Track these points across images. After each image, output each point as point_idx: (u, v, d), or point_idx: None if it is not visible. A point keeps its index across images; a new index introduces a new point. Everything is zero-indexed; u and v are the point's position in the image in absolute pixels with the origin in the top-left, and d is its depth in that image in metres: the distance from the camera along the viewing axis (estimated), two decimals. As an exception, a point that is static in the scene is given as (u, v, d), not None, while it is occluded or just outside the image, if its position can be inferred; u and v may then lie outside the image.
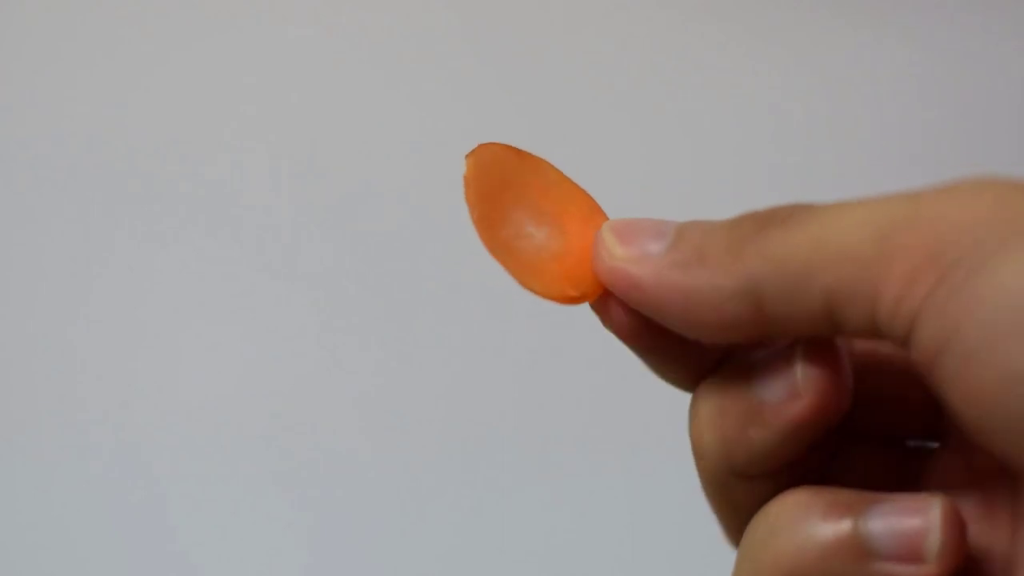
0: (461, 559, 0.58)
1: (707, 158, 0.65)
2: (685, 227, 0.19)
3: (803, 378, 0.18)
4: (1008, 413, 0.15)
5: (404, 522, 0.59)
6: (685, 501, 0.61)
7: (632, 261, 0.19)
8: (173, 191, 0.61)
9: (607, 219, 0.20)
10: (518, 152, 0.21)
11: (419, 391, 0.60)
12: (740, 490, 0.20)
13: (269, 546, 0.58)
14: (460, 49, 0.66)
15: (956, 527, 0.17)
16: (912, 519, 0.17)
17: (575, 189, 0.21)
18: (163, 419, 0.58)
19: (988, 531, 0.18)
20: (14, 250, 0.60)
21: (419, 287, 0.62)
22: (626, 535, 0.60)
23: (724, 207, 0.75)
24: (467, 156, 0.20)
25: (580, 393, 0.61)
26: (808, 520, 0.18)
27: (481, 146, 0.21)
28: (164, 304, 0.60)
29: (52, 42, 0.62)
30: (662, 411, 0.62)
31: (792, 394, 0.18)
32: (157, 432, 0.58)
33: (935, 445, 0.20)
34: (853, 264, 0.16)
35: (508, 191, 0.21)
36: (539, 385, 0.61)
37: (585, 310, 0.21)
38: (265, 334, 0.60)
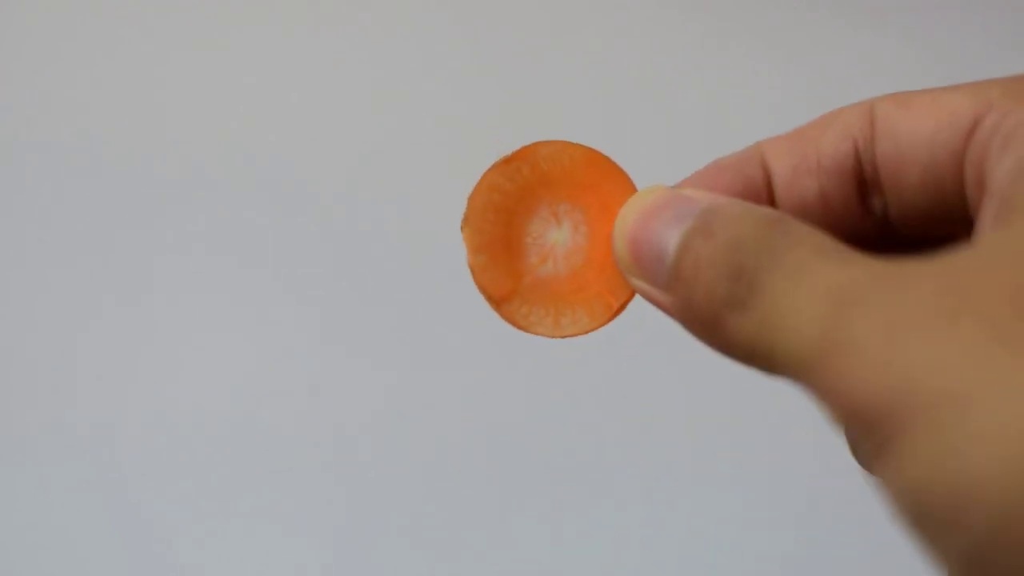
0: (466, 560, 0.58)
1: (707, 158, 0.65)
2: (680, 261, 0.19)
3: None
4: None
5: (406, 523, 0.58)
6: (697, 505, 0.61)
7: (646, 289, 0.19)
8: (173, 192, 0.61)
9: (628, 189, 0.21)
10: (505, 162, 0.21)
11: (422, 394, 0.60)
12: None
13: (270, 551, 0.58)
14: (460, 49, 0.66)
15: None
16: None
17: (577, 156, 0.21)
18: (163, 422, 0.58)
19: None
20: (15, 251, 0.60)
21: (421, 288, 0.62)
22: (637, 537, 0.60)
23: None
24: (463, 234, 0.20)
25: (589, 393, 0.61)
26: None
27: (467, 211, 0.20)
28: (166, 306, 0.60)
29: (52, 42, 0.62)
30: (673, 413, 0.62)
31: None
32: (158, 435, 0.58)
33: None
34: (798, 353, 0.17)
35: (514, 219, 0.21)
36: (546, 386, 0.61)
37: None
38: (267, 336, 0.60)
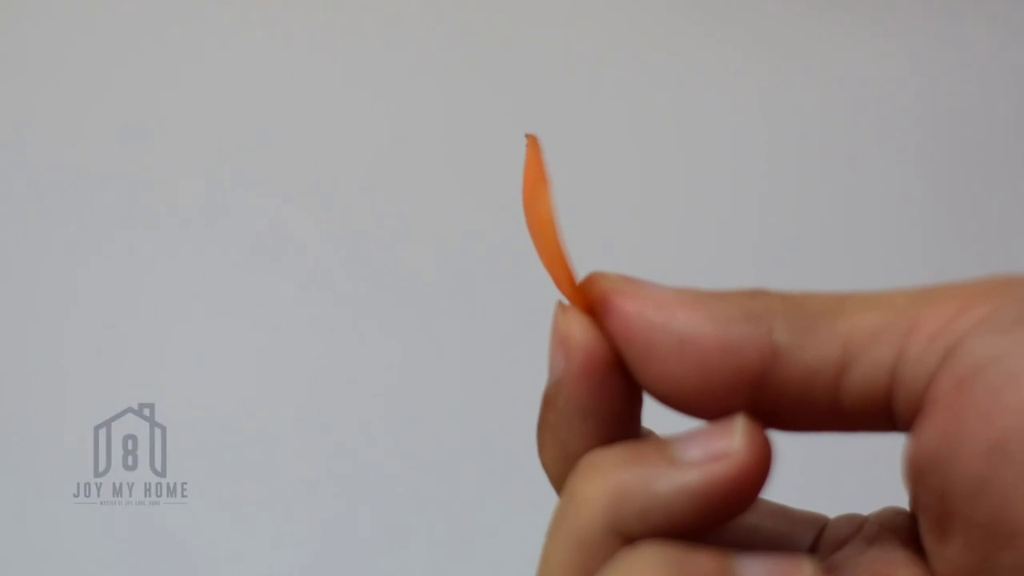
0: (472, 557, 0.58)
1: (705, 158, 0.65)
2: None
3: (743, 435, 0.17)
4: None
5: (406, 523, 0.59)
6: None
7: (633, 288, 0.19)
8: (174, 192, 0.61)
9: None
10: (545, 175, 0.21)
11: (422, 394, 0.60)
12: (603, 552, 0.18)
13: (269, 550, 0.58)
14: (460, 50, 0.66)
15: None
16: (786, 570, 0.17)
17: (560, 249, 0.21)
18: (163, 422, 0.58)
19: None
20: (15, 251, 0.60)
21: (421, 288, 0.62)
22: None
23: (721, 207, 0.75)
24: (530, 135, 0.20)
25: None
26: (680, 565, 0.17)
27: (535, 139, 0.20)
28: (167, 306, 0.60)
29: (53, 43, 0.62)
30: (673, 413, 0.62)
31: (721, 453, 0.17)
32: (158, 434, 0.58)
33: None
34: (886, 309, 0.16)
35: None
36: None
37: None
38: (268, 336, 0.60)
